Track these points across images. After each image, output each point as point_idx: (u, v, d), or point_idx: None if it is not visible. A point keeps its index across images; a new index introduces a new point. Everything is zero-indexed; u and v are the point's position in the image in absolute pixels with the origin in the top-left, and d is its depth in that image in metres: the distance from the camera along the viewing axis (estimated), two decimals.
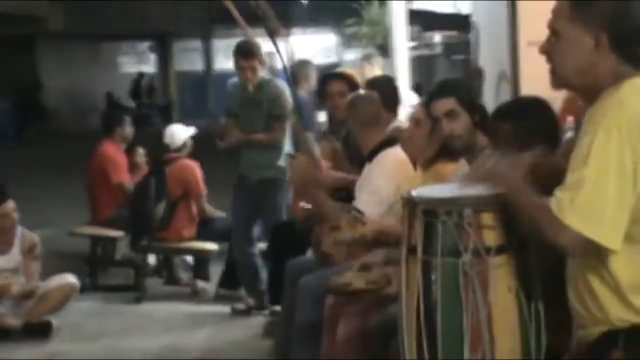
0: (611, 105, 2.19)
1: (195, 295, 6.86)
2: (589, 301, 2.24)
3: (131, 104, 27.10)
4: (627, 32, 2.25)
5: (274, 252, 5.56)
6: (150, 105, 26.37)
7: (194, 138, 6.90)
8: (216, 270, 6.90)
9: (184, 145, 6.83)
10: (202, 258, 7.01)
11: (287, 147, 6.20)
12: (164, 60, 27.41)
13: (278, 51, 5.50)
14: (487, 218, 2.28)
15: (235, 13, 5.61)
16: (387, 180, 4.25)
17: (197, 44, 27.53)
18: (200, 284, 6.98)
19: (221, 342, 5.66)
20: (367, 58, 8.27)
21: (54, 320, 5.85)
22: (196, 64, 27.74)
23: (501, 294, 2.27)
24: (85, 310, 6.38)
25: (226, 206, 7.32)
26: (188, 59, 27.76)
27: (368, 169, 4.45)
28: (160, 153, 6.91)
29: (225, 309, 6.38)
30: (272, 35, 5.51)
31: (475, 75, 6.88)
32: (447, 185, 2.74)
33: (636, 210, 2.16)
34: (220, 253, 6.87)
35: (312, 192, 4.52)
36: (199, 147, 6.93)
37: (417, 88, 15.10)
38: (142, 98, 27.24)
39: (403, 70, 9.14)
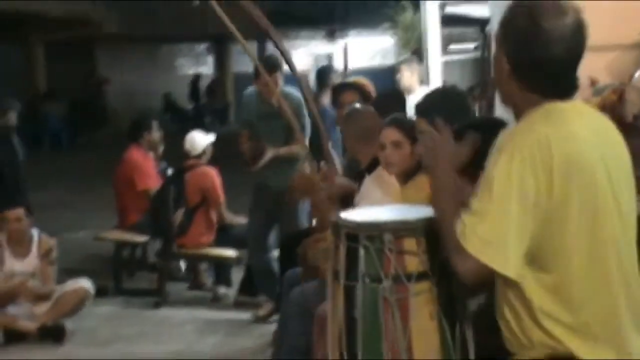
0: (518, 131, 2.17)
1: (216, 301, 6.90)
2: (514, 326, 2.20)
3: (188, 105, 27.40)
4: (524, 61, 2.19)
5: (283, 260, 5.58)
6: (207, 108, 26.62)
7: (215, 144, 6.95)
8: (237, 277, 6.94)
9: (203, 152, 6.87)
10: (222, 264, 7.05)
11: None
12: (221, 62, 27.63)
13: (283, 56, 5.48)
14: (409, 244, 2.24)
15: (221, 13, 5.54)
16: (384, 195, 4.21)
17: (253, 46, 27.70)
18: (222, 289, 7.02)
19: (230, 349, 5.69)
20: (404, 62, 8.23)
21: (69, 325, 5.94)
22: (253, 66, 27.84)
23: (422, 321, 2.24)
24: (103, 315, 6.47)
25: (246, 212, 7.36)
26: (245, 61, 27.91)
27: (367, 182, 4.42)
28: (180, 160, 6.97)
29: (242, 315, 6.40)
30: (267, 35, 5.49)
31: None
32: (380, 208, 2.69)
33: (543, 240, 2.11)
34: (240, 260, 6.90)
35: (315, 202, 4.52)
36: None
37: (470, 90, 14.96)
38: (200, 100, 27.52)
39: (436, 74, 9.05)
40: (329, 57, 32.35)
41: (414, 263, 2.25)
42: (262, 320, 6.22)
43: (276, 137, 6.06)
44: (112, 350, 5.68)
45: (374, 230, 2.24)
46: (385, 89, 5.90)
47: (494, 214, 2.09)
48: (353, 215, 2.39)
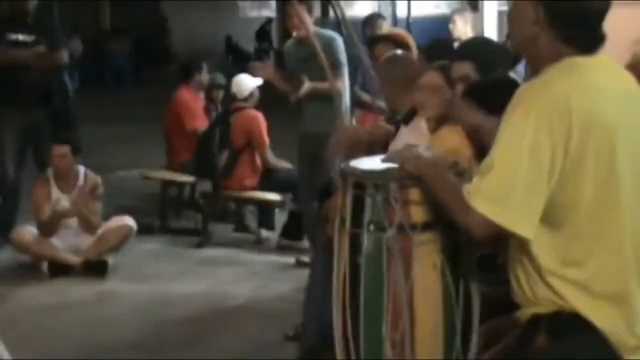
0: (535, 86, 2.10)
1: (258, 244, 6.97)
2: (522, 281, 2.18)
3: (250, 48, 27.38)
4: (564, 11, 2.13)
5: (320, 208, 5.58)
6: (268, 50, 26.56)
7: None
8: (280, 221, 7.00)
9: (250, 95, 6.89)
10: (266, 208, 7.11)
11: (347, 101, 6.16)
12: (284, 5, 27.47)
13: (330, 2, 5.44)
14: (414, 193, 2.23)
15: None
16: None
17: None
18: (265, 233, 7.09)
19: (269, 293, 5.75)
20: (457, 12, 8.10)
21: (112, 260, 6.07)
22: (315, 10, 27.63)
23: (425, 271, 2.23)
24: (146, 252, 6.60)
25: (292, 157, 7.39)
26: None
27: (403, 133, 4.38)
28: (227, 102, 7.01)
29: (284, 259, 6.47)
30: None
31: None
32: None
33: (554, 197, 2.06)
34: (283, 204, 6.94)
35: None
36: None
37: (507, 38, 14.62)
38: (272, 43, 27.48)
39: (491, 24, 8.89)
40: (393, 3, 31.89)
41: (419, 213, 2.23)
42: (305, 265, 6.27)
43: (315, 79, 6.00)
44: (152, 287, 5.80)
45: (380, 179, 2.23)
46: (434, 39, 5.79)
47: (502, 169, 2.04)
48: (361, 163, 2.38)
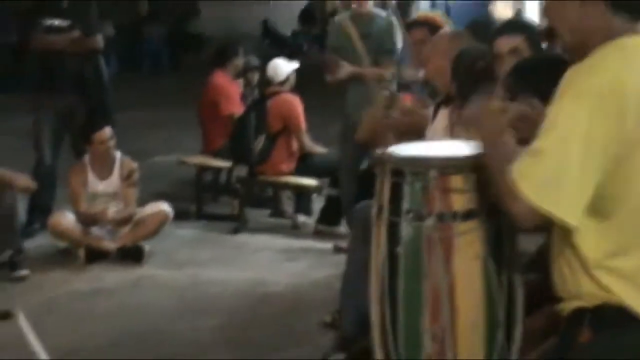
0: (588, 68, 1.98)
1: (295, 229, 6.91)
2: (566, 274, 2.08)
3: (287, 32, 27.28)
4: None
5: (359, 193, 5.49)
6: (306, 35, 26.44)
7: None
8: (317, 206, 6.93)
9: (286, 79, 6.81)
10: (303, 193, 7.04)
11: (394, 86, 6.07)
12: None
13: None
14: (456, 181, 2.14)
15: None
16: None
17: None
18: (302, 218, 7.02)
19: (304, 279, 5.68)
20: None
21: (149, 246, 6.04)
22: None
23: (466, 262, 2.14)
24: (182, 237, 6.56)
25: (328, 141, 7.31)
26: None
27: (442, 115, 4.28)
28: (262, 86, 6.94)
29: (321, 245, 6.40)
30: None
31: None
32: (430, 144, 2.57)
33: (605, 185, 1.96)
34: (320, 189, 6.86)
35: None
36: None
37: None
38: (315, 26, 27.35)
39: (533, 5, 8.70)
40: None
41: (460, 201, 2.14)
42: (343, 251, 6.18)
43: (364, 61, 5.89)
44: (187, 273, 5.76)
45: (419, 166, 2.14)
46: (475, 19, 5.66)
47: (552, 154, 1.93)
48: (399, 150, 2.28)
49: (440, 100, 4.35)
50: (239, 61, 7.72)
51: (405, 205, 2.15)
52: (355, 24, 5.97)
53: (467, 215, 2.14)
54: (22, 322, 4.68)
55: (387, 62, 5.92)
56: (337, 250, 6.14)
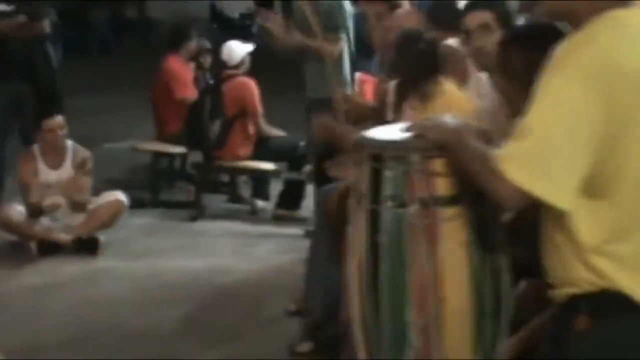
0: (577, 42, 1.88)
1: (253, 215, 6.78)
2: (555, 259, 1.99)
3: (235, 15, 26.98)
4: None
5: (318, 173, 5.38)
6: (253, 17, 26.19)
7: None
8: (274, 190, 6.81)
9: (241, 62, 6.65)
10: (261, 177, 6.91)
11: (346, 69, 5.94)
12: None
13: None
14: (438, 165, 2.02)
15: None
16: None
17: None
18: (260, 203, 6.90)
19: (265, 265, 5.57)
20: None
21: (104, 237, 5.86)
22: None
23: (452, 249, 2.03)
24: (139, 227, 6.39)
25: (286, 124, 7.18)
26: None
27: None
28: (216, 69, 6.77)
29: (280, 230, 6.30)
30: None
31: None
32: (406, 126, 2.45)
33: (599, 164, 1.86)
34: (278, 173, 6.73)
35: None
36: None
37: None
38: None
39: None
40: None
41: (444, 186, 2.03)
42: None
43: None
44: (146, 263, 5.61)
45: (400, 149, 2.02)
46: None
47: (539, 132, 1.82)
48: (377, 133, 2.16)
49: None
50: (192, 44, 7.53)
51: (386, 191, 2.03)
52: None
53: (451, 201, 2.03)
54: None
55: (330, 39, 5.79)
56: (308, 235, 6.01)
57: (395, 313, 2.04)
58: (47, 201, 5.79)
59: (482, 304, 2.07)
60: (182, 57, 7.50)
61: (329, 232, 4.08)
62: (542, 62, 1.90)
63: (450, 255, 2.03)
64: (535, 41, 2.67)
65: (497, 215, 2.08)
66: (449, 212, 2.02)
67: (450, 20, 4.70)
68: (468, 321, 2.05)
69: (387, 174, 2.02)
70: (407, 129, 2.05)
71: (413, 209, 2.01)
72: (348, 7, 6.02)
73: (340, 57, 5.81)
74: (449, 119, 2.03)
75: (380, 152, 2.04)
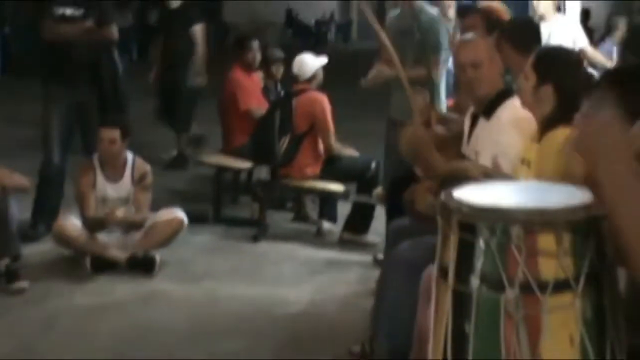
0: None
1: (319, 236, 6.43)
2: None
3: (311, 21, 26.94)
4: None
5: (390, 206, 5.01)
6: (329, 24, 26.05)
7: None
8: (342, 211, 6.45)
9: (314, 76, 6.30)
10: (328, 198, 6.55)
11: (443, 90, 5.58)
12: None
13: None
14: (546, 241, 1.62)
15: None
16: (515, 137, 3.56)
17: None
18: (326, 224, 6.55)
19: (328, 297, 5.19)
20: None
21: (159, 256, 5.56)
22: None
23: (559, 346, 1.63)
24: (198, 246, 6.07)
25: (358, 144, 6.81)
26: None
27: (483, 128, 3.79)
28: (289, 83, 6.44)
29: (345, 255, 5.95)
30: None
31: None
32: (505, 186, 2.04)
33: None
34: (347, 194, 6.36)
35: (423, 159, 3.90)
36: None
37: (584, 15, 13.69)
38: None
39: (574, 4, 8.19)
40: None
41: (551, 267, 1.62)
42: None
43: (405, 57, 5.34)
44: (203, 288, 5.27)
45: (499, 219, 1.63)
46: (517, 17, 5.16)
47: None
48: (469, 194, 1.76)
49: (476, 112, 3.88)
50: (253, 54, 7.20)
51: (478, 269, 1.64)
52: (400, 20, 5.57)
53: (560, 286, 1.63)
54: None
55: (429, 60, 5.44)
56: (378, 262, 5.63)
57: None
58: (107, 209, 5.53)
59: None
60: (247, 66, 7.20)
61: (397, 273, 3.72)
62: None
63: (557, 354, 1.62)
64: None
65: (616, 305, 1.67)
66: (555, 300, 1.62)
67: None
68: None
69: (480, 248, 1.63)
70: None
71: (511, 293, 1.61)
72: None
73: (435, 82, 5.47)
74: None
75: (473, 221, 1.65)
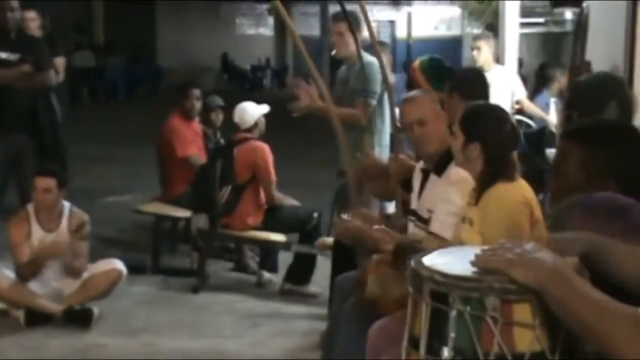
0: None
1: (260, 287, 6.33)
2: None
3: (246, 65, 26.93)
4: None
5: (336, 257, 4.95)
6: (265, 69, 26.09)
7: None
8: (283, 263, 6.37)
9: (255, 124, 6.25)
10: (269, 248, 6.46)
11: (385, 138, 5.55)
12: (282, 23, 26.99)
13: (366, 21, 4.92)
14: (522, 311, 1.58)
15: None
16: (457, 195, 3.56)
17: (315, 8, 26.94)
18: (267, 275, 6.45)
19: (272, 349, 5.10)
20: (483, 38, 7.55)
21: (99, 306, 5.40)
22: (314, 29, 27.16)
23: None
24: (137, 297, 5.92)
25: (295, 192, 6.75)
26: (306, 23, 27.22)
27: (434, 184, 3.77)
28: (230, 133, 6.37)
29: (288, 308, 5.86)
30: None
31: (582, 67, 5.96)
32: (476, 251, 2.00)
33: None
34: (288, 245, 6.29)
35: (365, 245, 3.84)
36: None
37: (541, 69, 14.08)
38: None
39: (512, 51, 8.32)
40: (392, 24, 31.52)
41: (527, 339, 1.58)
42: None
43: (342, 105, 5.30)
44: (141, 341, 5.13)
45: (473, 289, 1.58)
46: (466, 68, 5.20)
47: None
48: (439, 261, 1.71)
49: (427, 168, 3.86)
50: (192, 102, 7.05)
51: (451, 341, 1.59)
52: (341, 72, 5.75)
53: (536, 359, 1.59)
54: None
55: (359, 103, 5.39)
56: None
57: None
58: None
59: None
60: (186, 113, 7.06)
61: (346, 329, 3.66)
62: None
63: None
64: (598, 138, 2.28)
65: None
66: None
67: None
68: None
69: (453, 318, 1.58)
70: (478, 262, 1.62)
71: None
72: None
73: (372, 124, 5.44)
74: (533, 249, 1.59)
75: (446, 291, 1.60)
